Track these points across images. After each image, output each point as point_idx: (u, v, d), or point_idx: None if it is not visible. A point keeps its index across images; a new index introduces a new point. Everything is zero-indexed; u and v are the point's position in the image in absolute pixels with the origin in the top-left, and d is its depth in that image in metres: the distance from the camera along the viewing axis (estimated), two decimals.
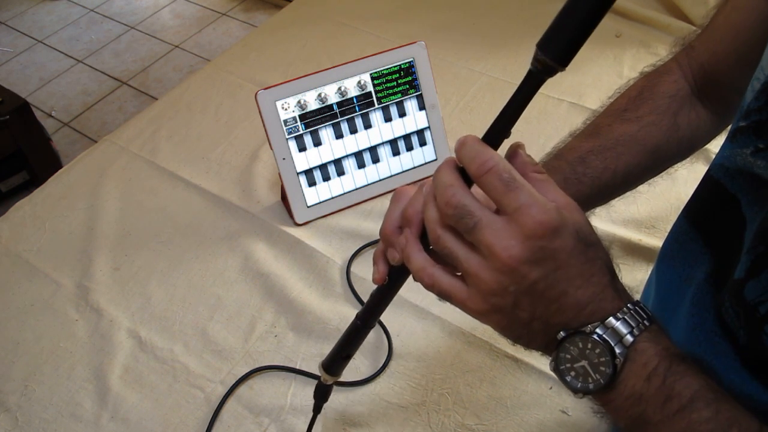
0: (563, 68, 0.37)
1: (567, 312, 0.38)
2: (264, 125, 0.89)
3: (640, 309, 0.38)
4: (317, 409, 0.65)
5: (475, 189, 0.39)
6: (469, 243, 0.38)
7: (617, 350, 0.37)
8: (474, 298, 0.39)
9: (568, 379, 0.39)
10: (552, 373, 0.75)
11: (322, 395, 0.63)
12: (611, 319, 0.37)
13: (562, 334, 0.38)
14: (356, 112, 0.94)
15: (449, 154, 0.99)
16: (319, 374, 0.60)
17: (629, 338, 0.37)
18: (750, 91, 0.45)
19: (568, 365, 0.39)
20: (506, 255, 0.36)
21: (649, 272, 0.66)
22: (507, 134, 0.40)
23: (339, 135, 0.93)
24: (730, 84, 0.56)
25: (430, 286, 0.41)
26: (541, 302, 0.37)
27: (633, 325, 0.37)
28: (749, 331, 0.41)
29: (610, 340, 0.37)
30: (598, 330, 0.37)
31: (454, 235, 0.39)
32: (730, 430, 0.35)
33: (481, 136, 0.40)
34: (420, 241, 0.43)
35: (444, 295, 0.41)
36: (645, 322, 0.38)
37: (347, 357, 0.57)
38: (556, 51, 0.36)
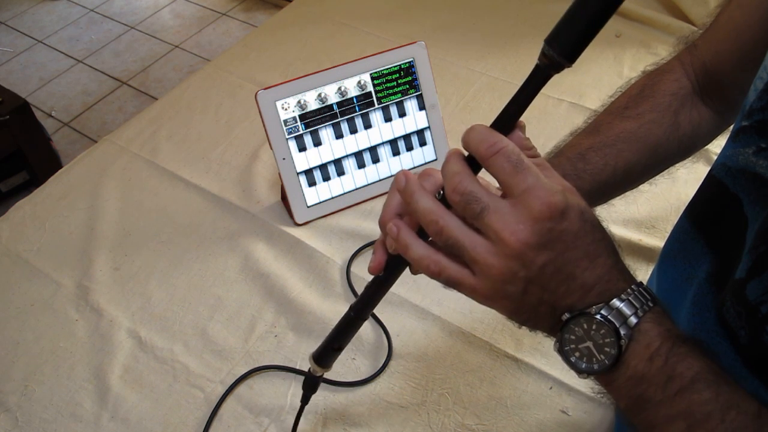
0: (570, 64, 0.37)
1: (574, 294, 0.38)
2: (264, 125, 0.89)
3: (643, 290, 0.38)
4: (305, 400, 0.65)
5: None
6: (475, 230, 0.38)
7: (622, 331, 0.37)
8: (483, 285, 0.39)
9: (573, 360, 0.40)
10: (552, 373, 0.76)
11: (311, 386, 0.64)
12: (615, 300, 0.37)
13: (566, 315, 0.39)
14: (356, 112, 0.94)
15: None
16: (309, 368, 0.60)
17: (633, 319, 0.37)
18: (753, 90, 0.45)
19: (573, 346, 0.39)
20: (514, 239, 0.36)
21: (649, 272, 0.66)
22: (511, 129, 0.40)
23: (339, 135, 0.93)
24: (733, 83, 0.56)
25: (437, 274, 0.40)
26: (550, 285, 0.38)
27: (637, 306, 0.37)
28: (750, 331, 0.41)
29: (614, 321, 0.37)
30: (602, 311, 0.37)
31: (458, 224, 0.39)
32: (729, 412, 0.35)
33: None
34: (419, 230, 0.43)
35: (452, 282, 0.40)
36: (648, 303, 0.38)
37: (339, 349, 0.57)
38: (564, 46, 0.37)
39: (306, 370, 0.76)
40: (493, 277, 0.38)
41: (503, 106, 0.40)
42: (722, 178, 0.47)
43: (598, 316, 0.37)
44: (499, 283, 0.38)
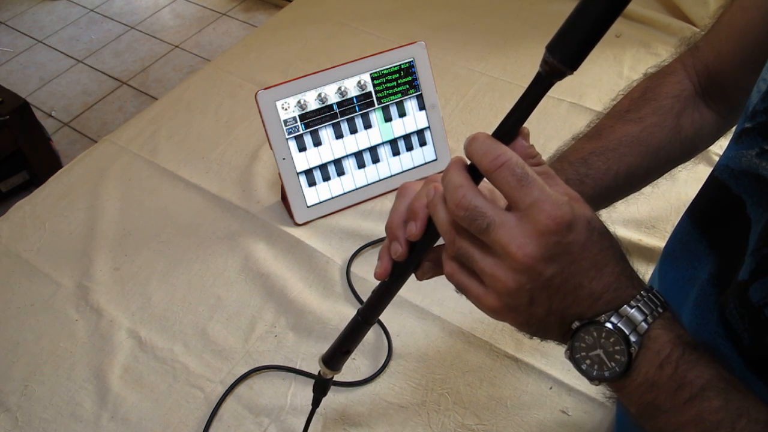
0: (572, 71, 0.37)
1: (582, 303, 0.38)
2: (264, 125, 0.89)
3: (653, 296, 0.38)
4: (316, 403, 0.65)
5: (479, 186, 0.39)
6: (484, 243, 0.38)
7: (632, 338, 0.37)
8: (490, 297, 0.39)
9: (584, 367, 0.40)
10: (552, 373, 0.76)
11: (321, 389, 0.64)
12: (626, 307, 0.37)
13: (576, 323, 0.38)
14: (356, 112, 0.94)
15: (449, 154, 0.99)
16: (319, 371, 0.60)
17: (644, 326, 0.37)
18: (756, 92, 0.45)
19: (584, 354, 0.39)
20: (521, 253, 0.36)
21: (650, 273, 0.66)
22: (514, 136, 0.40)
23: (339, 135, 0.93)
24: (735, 84, 0.56)
25: (450, 275, 0.41)
26: (557, 296, 0.38)
27: (647, 312, 0.37)
28: (754, 333, 0.41)
29: (624, 329, 0.37)
30: (612, 319, 0.37)
31: (468, 236, 0.39)
32: (740, 420, 0.35)
33: None
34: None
35: (461, 288, 0.41)
36: (658, 309, 0.38)
37: (347, 352, 0.57)
38: (565, 54, 0.36)
39: (305, 370, 0.77)
40: (499, 290, 0.38)
41: (504, 108, 0.40)
42: (725, 180, 0.47)
43: (608, 324, 0.37)
44: (505, 297, 0.38)
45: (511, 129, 0.40)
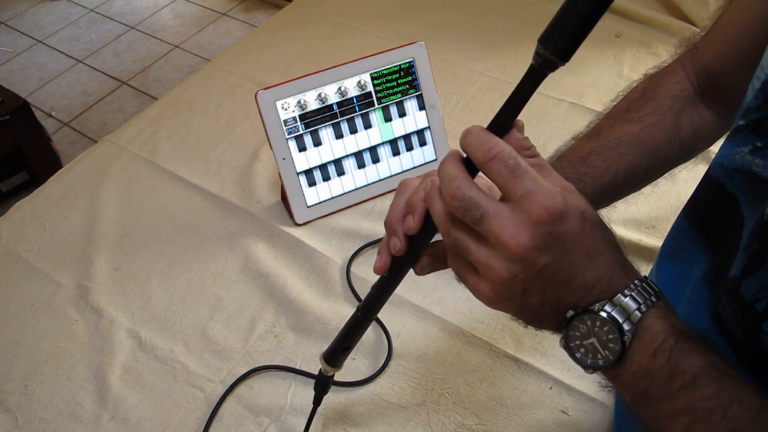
0: (564, 63, 0.37)
1: (576, 293, 0.38)
2: (264, 125, 0.89)
3: (647, 285, 0.39)
4: (317, 401, 0.65)
5: (477, 180, 0.40)
6: (478, 234, 0.38)
7: (626, 327, 0.37)
8: (484, 286, 0.39)
9: (578, 355, 0.40)
10: (552, 373, 0.76)
11: (322, 387, 0.64)
12: (619, 296, 0.38)
13: (570, 313, 0.39)
14: (356, 112, 0.94)
15: None
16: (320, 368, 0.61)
17: (637, 314, 0.37)
18: (750, 90, 0.45)
19: (578, 342, 0.39)
20: (515, 243, 0.36)
21: (650, 272, 0.66)
22: (508, 129, 0.41)
23: (339, 135, 0.93)
24: (734, 85, 0.56)
25: (450, 266, 0.42)
26: (551, 286, 0.38)
27: (641, 301, 0.38)
28: (746, 329, 0.41)
29: (618, 318, 0.37)
30: (606, 308, 0.38)
31: (463, 227, 0.39)
32: (731, 407, 0.36)
33: None
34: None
35: (459, 277, 0.42)
36: (652, 298, 0.38)
37: (347, 348, 0.58)
38: (557, 45, 0.37)
39: (306, 370, 0.77)
40: (493, 280, 0.38)
41: (503, 104, 0.40)
42: (719, 178, 0.48)
43: (602, 314, 0.38)
44: (499, 286, 0.38)
45: (505, 122, 0.40)
